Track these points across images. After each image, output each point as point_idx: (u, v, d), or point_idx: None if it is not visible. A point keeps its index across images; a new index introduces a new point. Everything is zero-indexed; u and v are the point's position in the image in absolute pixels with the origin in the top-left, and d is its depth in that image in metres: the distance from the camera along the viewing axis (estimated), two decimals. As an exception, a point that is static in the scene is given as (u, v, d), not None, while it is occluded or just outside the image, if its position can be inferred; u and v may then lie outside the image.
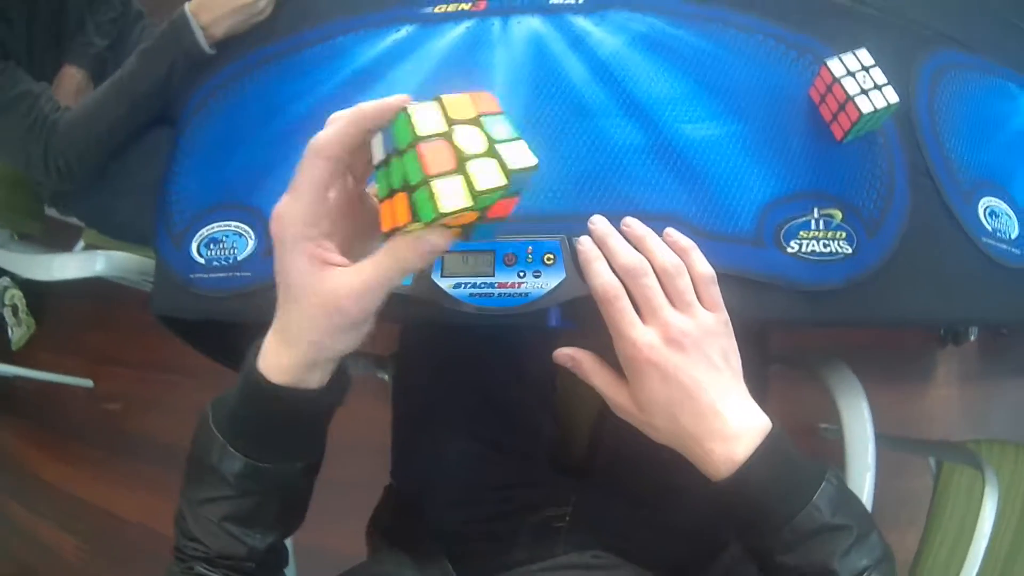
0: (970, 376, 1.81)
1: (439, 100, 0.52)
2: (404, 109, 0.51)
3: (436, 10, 0.96)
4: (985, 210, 0.81)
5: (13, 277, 2.55)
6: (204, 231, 0.92)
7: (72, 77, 1.46)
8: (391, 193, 0.53)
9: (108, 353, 2.50)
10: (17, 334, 2.59)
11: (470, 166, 0.50)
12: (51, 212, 1.66)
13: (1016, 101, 0.91)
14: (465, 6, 0.95)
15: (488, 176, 0.50)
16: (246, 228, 0.90)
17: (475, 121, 0.52)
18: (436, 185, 0.49)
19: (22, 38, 1.37)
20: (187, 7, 1.09)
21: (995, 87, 0.90)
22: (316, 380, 0.59)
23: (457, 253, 0.77)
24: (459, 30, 0.93)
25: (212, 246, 0.91)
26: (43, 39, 1.42)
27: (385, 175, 0.54)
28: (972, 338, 1.78)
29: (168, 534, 0.64)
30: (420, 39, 0.94)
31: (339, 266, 0.55)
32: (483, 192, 0.50)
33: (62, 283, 1.50)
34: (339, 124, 0.54)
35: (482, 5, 0.94)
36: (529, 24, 0.91)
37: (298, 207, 0.54)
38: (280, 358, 0.58)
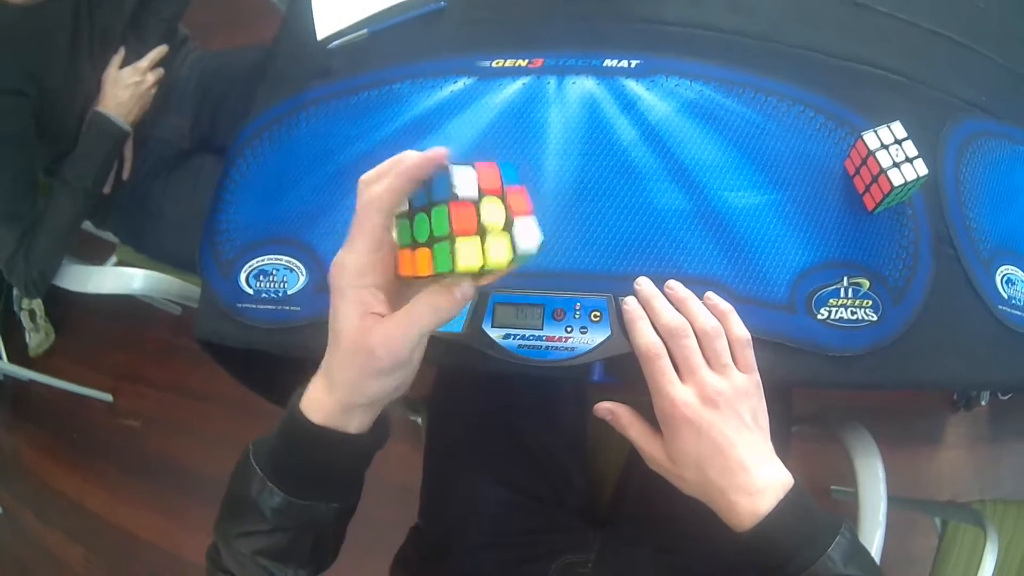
0: (980, 438, 1.81)
1: (474, 166, 0.54)
2: (446, 167, 0.53)
3: (494, 64, 0.98)
4: (1003, 278, 0.83)
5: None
6: (254, 262, 0.94)
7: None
8: (413, 244, 0.55)
9: (131, 371, 2.48)
10: (35, 340, 2.58)
11: (487, 237, 0.52)
12: (85, 224, 1.65)
13: (1040, 168, 0.92)
14: (522, 63, 0.97)
15: (498, 252, 0.52)
16: (297, 264, 0.92)
17: (500, 194, 0.54)
18: (459, 244, 0.51)
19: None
20: (98, 109, 1.38)
21: (1020, 155, 0.92)
22: (355, 425, 0.61)
23: (509, 305, 0.80)
24: (515, 86, 0.95)
25: (262, 278, 0.93)
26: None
27: (407, 225, 0.56)
28: (983, 403, 1.79)
29: (180, 558, 0.64)
30: (477, 92, 0.96)
31: (380, 314, 0.57)
32: (492, 265, 0.52)
33: (89, 297, 1.50)
34: (390, 178, 0.55)
35: (538, 63, 0.96)
36: (583, 85, 0.93)
37: (352, 257, 0.56)
38: (322, 399, 0.60)
